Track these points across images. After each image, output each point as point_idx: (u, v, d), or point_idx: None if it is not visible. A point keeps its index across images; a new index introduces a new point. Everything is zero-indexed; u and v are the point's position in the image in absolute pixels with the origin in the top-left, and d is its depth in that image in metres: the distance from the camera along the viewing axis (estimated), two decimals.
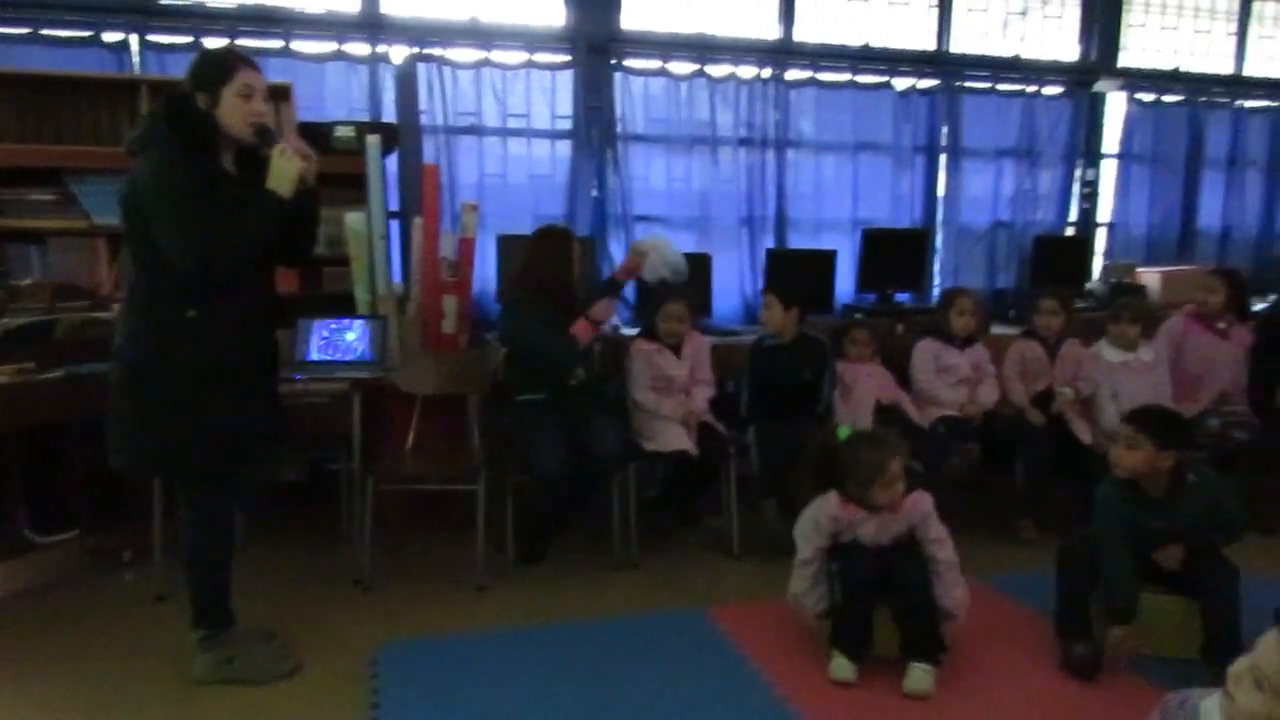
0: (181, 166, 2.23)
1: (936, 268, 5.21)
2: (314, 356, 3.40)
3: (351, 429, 3.30)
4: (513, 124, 4.48)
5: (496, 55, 4.41)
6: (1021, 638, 2.84)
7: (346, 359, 3.40)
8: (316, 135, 3.64)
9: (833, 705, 2.46)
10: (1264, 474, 3.83)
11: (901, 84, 5.03)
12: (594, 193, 4.59)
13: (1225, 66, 5.74)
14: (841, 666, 2.55)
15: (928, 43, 5.15)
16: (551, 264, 3.34)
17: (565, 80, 4.53)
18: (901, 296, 4.89)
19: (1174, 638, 2.68)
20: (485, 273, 4.24)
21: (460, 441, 3.54)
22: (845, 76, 4.94)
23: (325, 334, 3.42)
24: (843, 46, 4.96)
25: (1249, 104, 5.72)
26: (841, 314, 4.66)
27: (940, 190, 5.20)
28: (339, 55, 4.24)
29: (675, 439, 3.33)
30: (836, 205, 4.99)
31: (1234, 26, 5.73)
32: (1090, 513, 2.85)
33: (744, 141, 4.78)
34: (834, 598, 2.65)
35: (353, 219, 3.65)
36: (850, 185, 5.01)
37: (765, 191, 4.82)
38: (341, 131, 3.83)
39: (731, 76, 4.72)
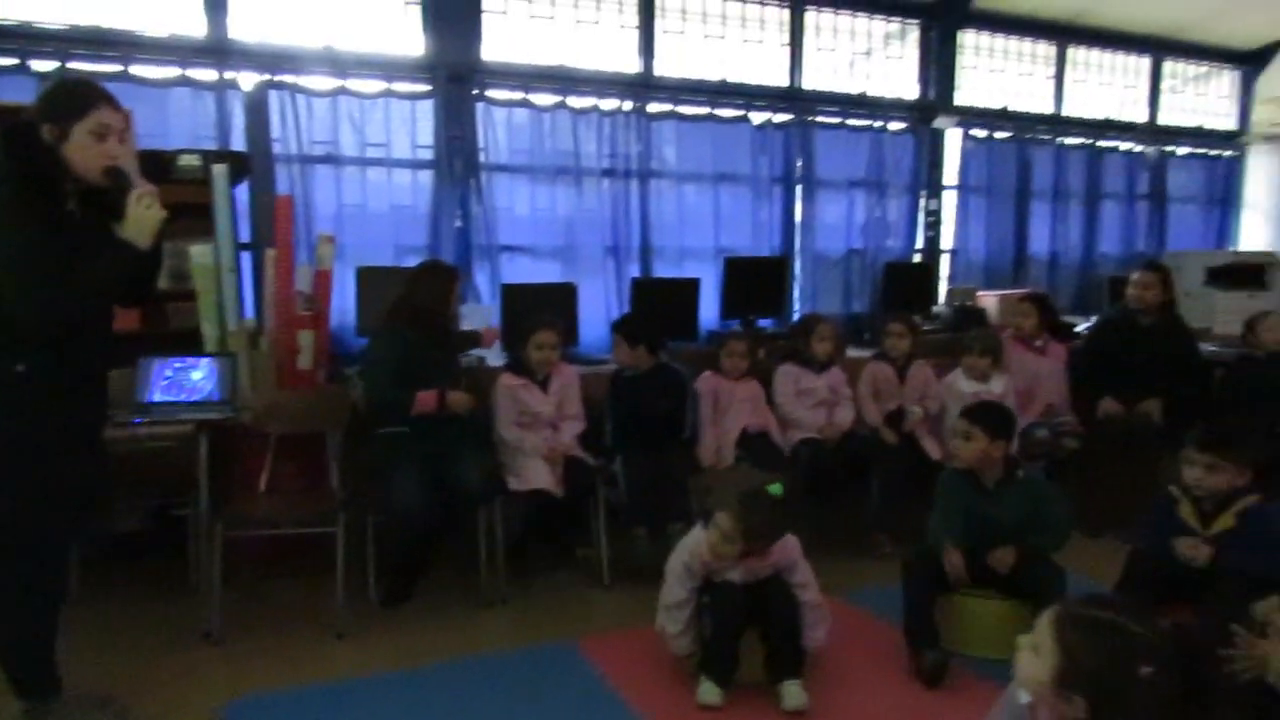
0: (22, 207, 2.04)
1: (796, 293, 5.42)
2: (156, 398, 3.21)
3: (199, 473, 3.13)
4: (372, 153, 4.39)
5: (353, 83, 4.32)
6: (877, 648, 2.96)
7: (192, 399, 3.23)
8: (159, 164, 3.48)
9: None
10: (1090, 480, 4.17)
11: (758, 118, 5.23)
12: (457, 223, 4.54)
13: (1046, 106, 6.24)
14: (709, 691, 2.59)
15: (781, 79, 5.38)
16: (431, 297, 3.35)
17: (426, 110, 4.49)
18: (763, 322, 5.05)
19: (1010, 640, 2.84)
20: (344, 305, 4.12)
21: (318, 481, 3.42)
22: (704, 110, 5.10)
23: (169, 374, 3.24)
24: (701, 81, 5.11)
25: (1068, 141, 6.24)
26: (706, 340, 4.78)
27: (797, 219, 5.41)
28: (184, 81, 4.05)
29: (537, 476, 3.31)
30: (699, 234, 5.12)
31: (1052, 71, 6.25)
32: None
33: (608, 172, 4.85)
34: (704, 631, 2.68)
35: (198, 252, 3.49)
36: (712, 214, 5.15)
37: (629, 221, 4.90)
38: (186, 160, 3.67)
39: (594, 108, 4.79)
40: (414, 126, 4.47)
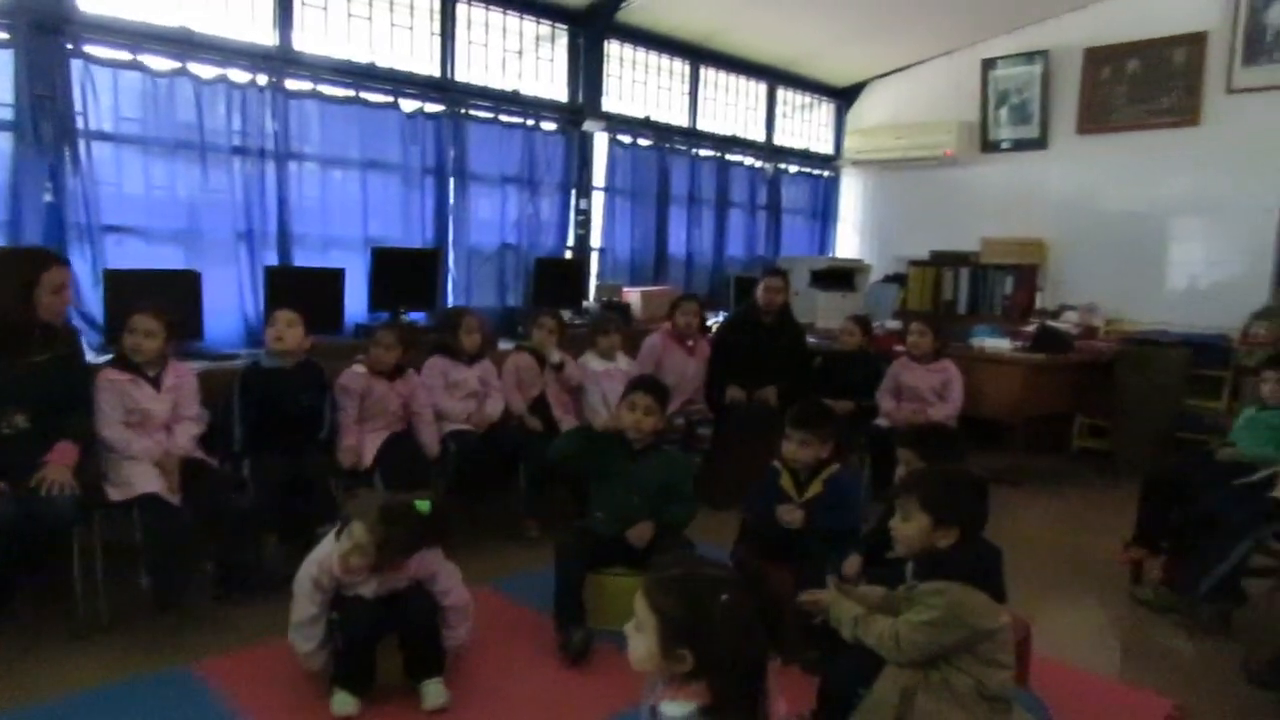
0: None
1: (449, 287, 5.35)
2: None
3: None
4: None
5: None
6: (525, 634, 3.01)
7: None
8: None
9: None
10: (718, 459, 4.60)
11: (409, 106, 5.08)
12: (47, 197, 3.88)
13: (683, 120, 6.79)
14: (343, 701, 2.46)
15: (433, 69, 5.28)
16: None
17: (4, 62, 3.78)
18: (414, 315, 4.93)
19: None
20: None
21: None
22: (350, 92, 4.85)
23: None
24: (347, 62, 4.85)
25: (702, 152, 6.84)
26: (353, 333, 4.56)
27: (450, 211, 5.35)
28: None
29: (146, 480, 2.92)
30: (346, 222, 4.86)
31: (688, 88, 6.81)
32: (584, 508, 3.17)
33: (239, 150, 4.42)
34: (335, 645, 2.53)
35: None
36: (360, 202, 4.92)
37: (265, 205, 4.51)
38: None
39: (222, 79, 4.34)
40: None
